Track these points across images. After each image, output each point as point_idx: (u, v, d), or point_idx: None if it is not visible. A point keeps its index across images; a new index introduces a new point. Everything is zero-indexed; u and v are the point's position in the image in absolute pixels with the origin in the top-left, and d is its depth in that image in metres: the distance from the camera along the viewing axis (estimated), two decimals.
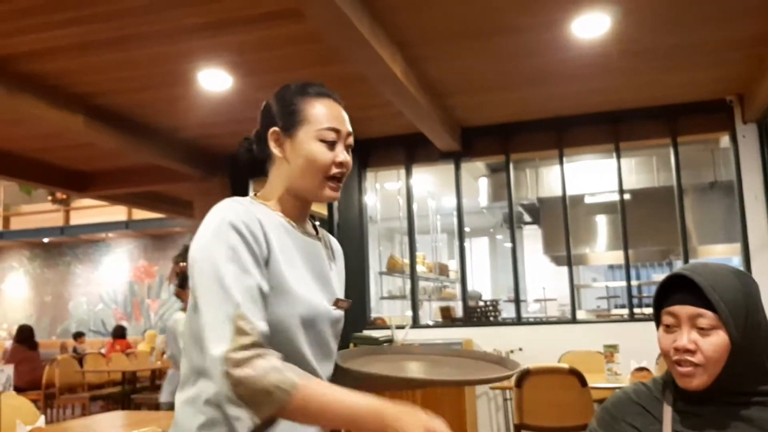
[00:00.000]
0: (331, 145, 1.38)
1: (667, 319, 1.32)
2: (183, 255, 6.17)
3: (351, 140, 1.42)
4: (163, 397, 4.89)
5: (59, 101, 5.03)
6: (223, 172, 6.84)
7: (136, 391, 7.93)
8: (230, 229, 1.24)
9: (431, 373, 1.44)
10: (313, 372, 1.28)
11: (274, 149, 1.40)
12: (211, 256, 1.22)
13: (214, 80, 4.81)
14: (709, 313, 1.26)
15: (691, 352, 1.27)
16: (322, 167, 1.37)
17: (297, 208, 1.41)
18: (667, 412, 1.34)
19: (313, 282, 1.37)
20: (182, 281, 4.76)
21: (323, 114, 1.39)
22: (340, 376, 1.39)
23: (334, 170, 1.38)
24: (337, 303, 1.42)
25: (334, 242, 1.57)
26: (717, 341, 1.26)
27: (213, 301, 1.19)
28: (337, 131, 1.39)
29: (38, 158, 6.97)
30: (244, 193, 7.56)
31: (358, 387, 1.30)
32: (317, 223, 1.52)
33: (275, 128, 1.40)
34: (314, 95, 1.42)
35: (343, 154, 1.39)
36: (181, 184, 7.47)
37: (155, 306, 14.44)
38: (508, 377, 1.38)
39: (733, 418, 1.27)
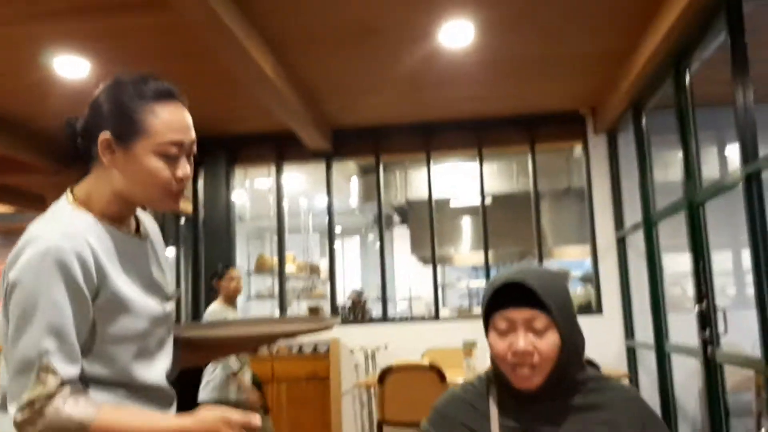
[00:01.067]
0: (173, 159, 1.26)
1: (500, 324, 1.34)
2: None
3: (194, 148, 1.31)
4: (204, 394, 4.23)
5: None
6: (79, 164, 6.45)
7: None
8: (54, 265, 1.16)
9: (258, 329, 1.53)
10: (154, 381, 1.30)
11: (104, 156, 1.26)
12: (31, 293, 1.15)
13: (71, 67, 4.53)
14: (542, 315, 1.31)
15: (530, 354, 1.31)
16: (161, 184, 1.26)
17: (123, 210, 1.31)
18: (493, 408, 1.38)
19: (143, 288, 1.31)
20: None
21: (165, 125, 1.25)
22: (179, 348, 1.42)
23: (175, 186, 1.28)
24: (167, 298, 1.39)
25: (149, 221, 1.45)
26: (551, 341, 1.31)
27: (23, 342, 1.15)
28: (179, 144, 1.26)
29: None
30: None
31: (197, 354, 1.49)
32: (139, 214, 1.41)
33: (106, 134, 1.26)
34: (154, 98, 1.27)
35: (184, 168, 1.27)
36: (32, 177, 6.99)
37: None
38: (327, 327, 1.53)
39: (559, 408, 1.34)
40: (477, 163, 6.30)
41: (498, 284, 1.35)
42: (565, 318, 1.33)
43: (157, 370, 1.33)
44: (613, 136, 6.01)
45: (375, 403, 5.65)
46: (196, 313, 6.43)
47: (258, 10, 3.77)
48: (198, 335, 1.50)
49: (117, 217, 1.30)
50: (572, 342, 1.34)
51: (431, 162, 6.32)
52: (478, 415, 1.39)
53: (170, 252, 7.82)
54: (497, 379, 1.40)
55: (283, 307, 6.45)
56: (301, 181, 8.42)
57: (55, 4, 3.69)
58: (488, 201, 6.42)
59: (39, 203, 8.31)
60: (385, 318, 6.38)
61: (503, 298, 1.34)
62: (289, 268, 7.57)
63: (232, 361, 4.13)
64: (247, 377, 4.24)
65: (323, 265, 9.79)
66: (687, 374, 4.93)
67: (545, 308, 1.31)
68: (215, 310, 4.44)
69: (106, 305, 1.23)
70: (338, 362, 5.63)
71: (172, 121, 1.26)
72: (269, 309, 9.69)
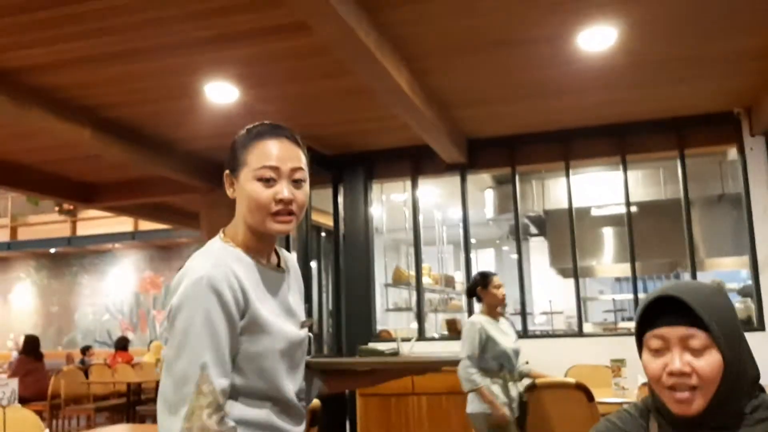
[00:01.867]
0: (269, 182, 1.45)
1: (654, 343, 1.25)
2: None
3: (300, 174, 1.47)
4: (470, 407, 4.09)
5: (67, 114, 5.05)
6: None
7: (141, 402, 7.91)
8: (209, 291, 1.35)
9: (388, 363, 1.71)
10: (288, 394, 1.48)
11: (228, 190, 1.51)
12: (189, 316, 1.34)
13: (221, 93, 4.82)
14: (700, 333, 1.20)
15: (687, 375, 1.20)
16: (261, 205, 1.44)
17: (260, 243, 1.50)
18: None
19: (282, 314, 1.50)
20: None
21: (260, 154, 1.45)
22: (311, 374, 1.65)
23: (275, 207, 1.44)
24: (302, 325, 1.56)
25: (290, 258, 1.65)
26: (711, 361, 1.20)
27: (184, 358, 1.33)
28: (275, 168, 1.45)
29: (46, 170, 6.99)
30: None
31: (327, 380, 1.69)
32: (280, 250, 1.61)
33: (227, 172, 1.51)
34: (254, 137, 1.48)
35: (285, 191, 1.44)
36: (187, 196, 7.49)
37: (161, 317, 14.45)
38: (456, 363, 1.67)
39: None
40: (620, 171, 6.02)
41: (650, 300, 1.26)
42: (728, 336, 1.21)
43: (293, 387, 1.51)
44: None
45: None
46: (338, 322, 6.58)
47: (390, 21, 3.81)
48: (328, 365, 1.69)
49: (256, 249, 1.50)
50: (738, 363, 1.21)
51: (570, 170, 6.11)
52: None
53: (313, 265, 8.10)
54: (655, 407, 1.29)
55: (420, 319, 6.47)
56: (435, 194, 8.44)
57: (206, 32, 3.94)
58: (633, 209, 6.10)
59: (193, 220, 8.91)
60: (525, 333, 6.23)
61: (657, 316, 1.25)
62: (425, 280, 7.58)
63: (477, 377, 3.93)
64: (500, 391, 3.98)
65: (458, 277, 9.74)
66: None
67: (703, 326, 1.20)
68: (475, 322, 4.09)
69: (249, 326, 1.41)
70: None
71: (264, 151, 1.46)
72: (406, 321, 9.76)
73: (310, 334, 1.66)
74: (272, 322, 1.44)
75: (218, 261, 1.41)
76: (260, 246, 1.50)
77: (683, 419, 1.22)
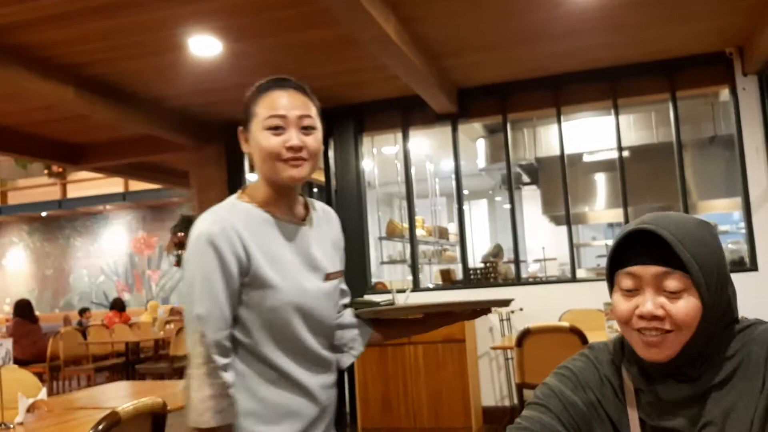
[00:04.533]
0: (278, 130, 1.49)
1: (625, 282, 1.11)
2: (180, 225, 6.13)
3: (309, 122, 1.51)
4: None
5: (49, 73, 4.95)
6: (218, 140, 6.77)
7: (140, 361, 7.98)
8: (207, 246, 1.43)
9: (431, 306, 1.70)
10: (306, 344, 1.52)
11: (243, 147, 1.56)
12: (191, 270, 1.44)
13: (204, 46, 4.72)
14: (678, 273, 1.07)
15: (659, 319, 1.07)
16: (271, 153, 1.49)
17: (279, 196, 1.54)
18: (630, 393, 1.16)
19: (302, 267, 1.54)
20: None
21: (267, 105, 1.50)
22: (360, 323, 1.71)
23: (286, 154, 1.48)
24: (328, 277, 1.59)
25: (324, 210, 1.70)
26: (688, 305, 1.07)
27: (188, 310, 1.45)
28: (282, 117, 1.49)
29: (32, 132, 6.90)
30: (239, 162, 7.43)
31: (379, 329, 1.73)
32: (309, 199, 1.66)
33: (240, 128, 1.56)
34: (263, 90, 1.53)
35: (294, 138, 1.48)
36: (176, 154, 7.41)
37: (156, 277, 14.49)
38: (506, 303, 1.69)
39: (695, 391, 1.10)
40: (611, 116, 5.97)
41: (625, 233, 1.11)
42: (709, 278, 1.07)
43: (317, 338, 1.55)
44: (764, 77, 5.48)
45: (513, 365, 5.59)
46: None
47: None
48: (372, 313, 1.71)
49: (276, 203, 1.54)
50: (718, 309, 1.09)
51: (562, 117, 6.06)
52: (609, 391, 1.18)
53: None
54: (626, 350, 1.17)
55: (415, 271, 6.50)
56: (426, 146, 8.39)
57: None
58: (625, 154, 6.07)
59: (183, 179, 8.84)
60: (518, 280, 6.27)
61: (632, 252, 1.10)
62: (419, 232, 7.59)
63: None
64: None
65: (452, 228, 9.77)
66: None
67: (682, 265, 1.06)
68: None
69: (253, 281, 1.46)
70: (473, 325, 5.61)
71: (273, 101, 1.51)
72: (401, 273, 9.81)
73: (344, 286, 1.74)
74: (282, 277, 1.48)
75: (218, 217, 1.46)
76: (280, 200, 1.54)
77: (652, 366, 1.11)
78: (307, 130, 1.50)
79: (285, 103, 1.49)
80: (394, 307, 1.72)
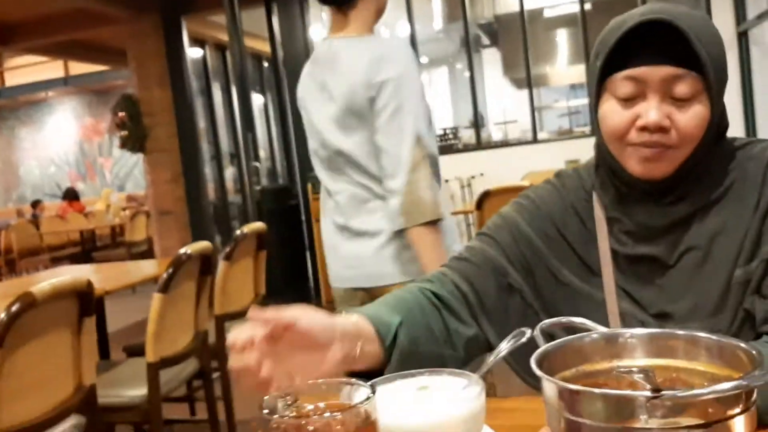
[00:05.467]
0: None
1: (624, 88, 0.90)
2: (121, 104, 5.75)
3: None
4: None
5: None
6: (152, 10, 6.25)
7: (96, 249, 7.82)
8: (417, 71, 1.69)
9: None
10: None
11: None
12: (413, 79, 1.68)
13: None
14: (691, 76, 0.88)
15: (665, 131, 0.89)
16: None
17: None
18: (601, 221, 1.00)
19: None
20: None
21: None
22: None
23: None
24: None
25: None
26: (697, 114, 0.89)
27: (405, 118, 1.66)
28: None
29: None
30: (178, 32, 6.88)
31: None
32: None
33: None
34: None
35: None
36: (111, 28, 6.91)
37: (108, 164, 14.07)
38: None
39: (685, 222, 0.94)
40: None
41: (629, 27, 0.88)
42: (720, 82, 0.90)
43: None
44: None
45: (474, 229, 5.54)
46: (289, 154, 6.37)
47: None
48: None
49: None
50: (721, 118, 0.94)
51: None
52: (575, 221, 1.03)
53: (257, 99, 7.71)
54: (600, 175, 1.01)
55: None
56: None
57: None
58: (587, 7, 5.77)
59: (123, 58, 8.32)
60: (479, 145, 6.11)
61: (630, 52, 0.90)
62: None
63: None
64: None
65: None
66: None
67: (698, 66, 0.87)
68: None
69: None
70: None
71: None
72: None
73: None
74: None
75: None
76: None
77: (636, 186, 0.95)
78: None
79: None
80: None
